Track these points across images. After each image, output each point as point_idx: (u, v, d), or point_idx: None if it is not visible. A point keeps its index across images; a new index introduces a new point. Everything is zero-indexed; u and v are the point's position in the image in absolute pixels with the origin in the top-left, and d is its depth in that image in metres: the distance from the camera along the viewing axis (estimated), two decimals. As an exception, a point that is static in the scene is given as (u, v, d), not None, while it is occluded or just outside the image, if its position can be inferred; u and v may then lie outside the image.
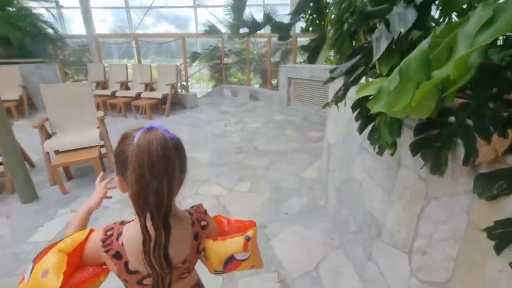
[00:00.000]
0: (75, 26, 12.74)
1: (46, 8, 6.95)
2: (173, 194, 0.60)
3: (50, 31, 6.78)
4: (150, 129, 0.55)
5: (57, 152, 2.95)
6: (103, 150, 3.28)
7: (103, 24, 13.11)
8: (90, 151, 2.93)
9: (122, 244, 0.62)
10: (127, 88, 6.39)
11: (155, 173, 0.52)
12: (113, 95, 6.01)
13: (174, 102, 6.00)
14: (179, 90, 6.43)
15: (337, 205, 2.09)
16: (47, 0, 7.22)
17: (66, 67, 8.40)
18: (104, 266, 0.65)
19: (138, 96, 5.84)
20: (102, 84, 6.52)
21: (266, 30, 9.49)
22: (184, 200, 0.67)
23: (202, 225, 0.71)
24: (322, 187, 2.68)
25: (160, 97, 5.65)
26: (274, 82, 8.49)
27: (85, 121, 3.41)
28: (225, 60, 8.16)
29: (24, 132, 4.21)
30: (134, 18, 12.07)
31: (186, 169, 0.65)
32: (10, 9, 6.04)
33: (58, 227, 2.22)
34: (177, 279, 0.71)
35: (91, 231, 0.66)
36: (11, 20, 5.80)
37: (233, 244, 0.71)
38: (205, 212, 0.74)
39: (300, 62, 8.43)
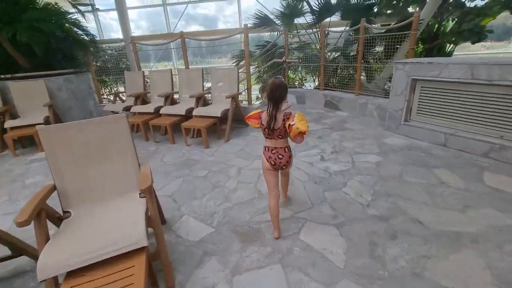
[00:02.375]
0: (114, 34, 12.25)
1: (80, 12, 5.72)
2: (279, 102, 1.74)
3: (80, 33, 5.55)
4: (276, 77, 1.79)
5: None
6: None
7: (138, 30, 12.73)
8: (131, 265, 1.37)
9: (262, 114, 1.86)
10: (173, 102, 4.93)
11: (274, 90, 1.73)
12: (156, 112, 4.59)
13: (233, 119, 4.39)
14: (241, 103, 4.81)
15: None
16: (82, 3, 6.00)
17: (104, 76, 7.29)
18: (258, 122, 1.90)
19: (188, 113, 4.33)
20: (142, 97, 5.15)
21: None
22: None
23: (287, 117, 1.74)
24: None
25: (220, 115, 4.06)
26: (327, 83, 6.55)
27: (120, 190, 1.89)
28: (288, 58, 6.39)
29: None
30: (167, 21, 11.37)
31: (286, 98, 1.76)
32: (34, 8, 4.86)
33: None
34: (277, 136, 1.82)
35: (257, 113, 1.93)
36: (34, 23, 4.60)
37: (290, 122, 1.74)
38: (291, 114, 1.75)
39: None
